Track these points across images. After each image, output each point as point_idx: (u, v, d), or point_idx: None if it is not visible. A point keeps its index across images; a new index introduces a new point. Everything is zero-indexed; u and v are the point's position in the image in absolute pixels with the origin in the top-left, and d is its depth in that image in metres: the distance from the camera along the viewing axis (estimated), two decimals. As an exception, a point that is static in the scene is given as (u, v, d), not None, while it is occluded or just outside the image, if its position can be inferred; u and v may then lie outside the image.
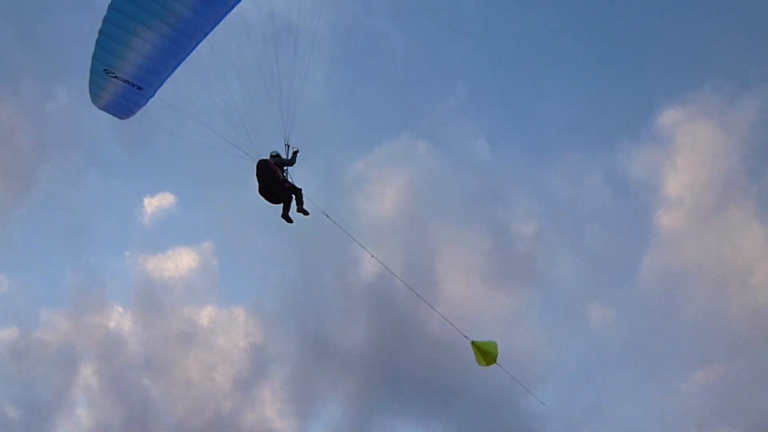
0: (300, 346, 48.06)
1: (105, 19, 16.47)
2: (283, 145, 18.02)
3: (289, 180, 17.96)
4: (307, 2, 17.16)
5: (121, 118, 18.08)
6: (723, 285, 48.64)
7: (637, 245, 53.91)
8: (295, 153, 18.05)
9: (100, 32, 16.60)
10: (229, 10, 17.15)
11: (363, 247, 16.93)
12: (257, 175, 17.63)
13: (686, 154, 53.18)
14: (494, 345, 16.48)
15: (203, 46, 17.42)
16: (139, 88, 17.52)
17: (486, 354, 16.46)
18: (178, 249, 54.55)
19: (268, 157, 17.88)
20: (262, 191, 17.75)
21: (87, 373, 47.81)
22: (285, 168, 17.95)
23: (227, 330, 50.71)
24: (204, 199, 57.22)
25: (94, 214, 59.12)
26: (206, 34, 17.31)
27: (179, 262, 53.65)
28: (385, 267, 17.00)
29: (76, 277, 53.23)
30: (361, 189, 51.57)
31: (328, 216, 17.27)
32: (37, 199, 53.26)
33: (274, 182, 17.64)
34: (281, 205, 18.07)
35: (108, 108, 17.78)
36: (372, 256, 17.03)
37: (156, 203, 56.18)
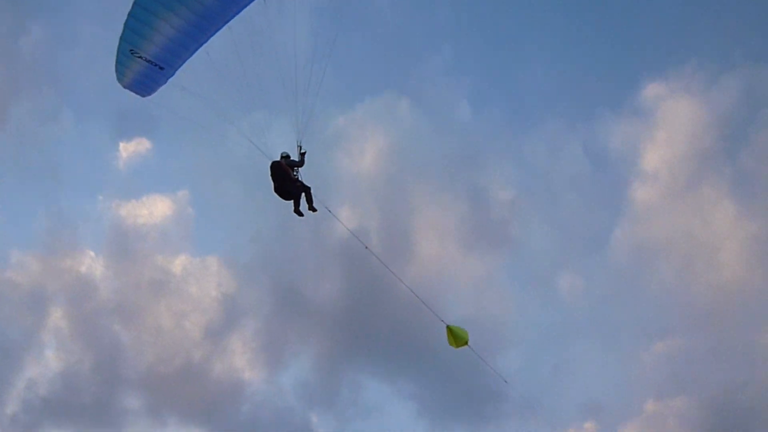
0: (272, 299, 48.29)
1: (135, 3, 17.57)
2: (296, 146, 19.60)
3: (300, 179, 19.65)
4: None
5: (143, 96, 19.35)
6: (691, 260, 49.83)
7: (610, 217, 55.24)
8: (303, 154, 19.71)
9: (129, 15, 17.76)
10: (251, 1, 18.27)
11: (359, 240, 18.62)
12: (272, 175, 19.35)
13: (665, 129, 53.59)
14: (466, 332, 18.17)
15: (225, 38, 18.58)
16: (161, 68, 18.75)
17: (458, 338, 18.16)
18: (153, 196, 54.31)
19: (278, 158, 19.48)
20: (277, 190, 19.47)
21: (57, 316, 47.71)
22: (295, 168, 19.61)
23: (200, 279, 50.65)
24: (181, 147, 56.82)
25: (67, 156, 58.69)
26: (227, 22, 18.51)
27: (154, 209, 53.41)
28: (381, 261, 18.48)
29: (48, 219, 52.93)
30: (340, 145, 51.46)
31: (329, 211, 19.14)
32: (9, 138, 52.29)
33: (288, 182, 19.39)
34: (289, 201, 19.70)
35: (132, 86, 19.01)
36: (366, 248, 18.69)
37: (132, 148, 55.61)
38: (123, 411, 44.73)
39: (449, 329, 18.24)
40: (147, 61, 18.40)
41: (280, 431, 44.27)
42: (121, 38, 17.91)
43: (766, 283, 46.69)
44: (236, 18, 18.38)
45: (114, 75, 19.01)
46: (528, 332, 50.69)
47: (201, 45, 18.82)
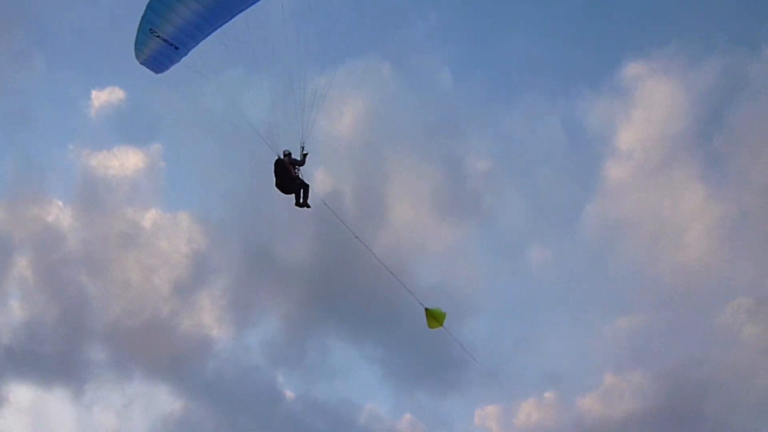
0: (242, 257, 48.78)
1: (159, -14, 18.72)
2: (298, 147, 21.26)
3: (300, 176, 21.37)
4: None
5: (156, 72, 20.61)
6: (658, 240, 51.49)
7: (582, 192, 56.86)
8: (305, 155, 21.42)
9: (153, -3, 18.88)
10: (266, -5, 19.52)
11: (355, 235, 20.15)
12: (275, 171, 21.05)
13: (643, 109, 54.58)
14: (443, 315, 19.80)
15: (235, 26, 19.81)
16: (176, 48, 19.98)
17: (435, 320, 19.83)
18: (125, 147, 53.85)
19: (281, 155, 21.12)
20: (278, 185, 21.15)
21: (22, 265, 47.61)
22: (297, 166, 21.33)
23: (170, 234, 50.85)
24: (155, 98, 55.27)
25: (37, 102, 57.43)
26: (242, 10, 19.77)
27: (125, 161, 53.15)
28: (373, 254, 20.12)
29: (16, 167, 52.53)
30: (318, 106, 51.49)
31: (326, 204, 20.73)
32: (-24, 82, 50.09)
33: (289, 179, 21.12)
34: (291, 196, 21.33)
35: (147, 62, 20.26)
36: (356, 237, 20.27)
37: (104, 97, 55.00)
38: (88, 363, 45.34)
39: (428, 312, 19.69)
40: (164, 41, 19.65)
41: (246, 389, 45.51)
42: (143, 17, 19.12)
43: (727, 265, 48.71)
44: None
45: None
46: (495, 302, 52.31)
47: (215, 29, 20.10)
